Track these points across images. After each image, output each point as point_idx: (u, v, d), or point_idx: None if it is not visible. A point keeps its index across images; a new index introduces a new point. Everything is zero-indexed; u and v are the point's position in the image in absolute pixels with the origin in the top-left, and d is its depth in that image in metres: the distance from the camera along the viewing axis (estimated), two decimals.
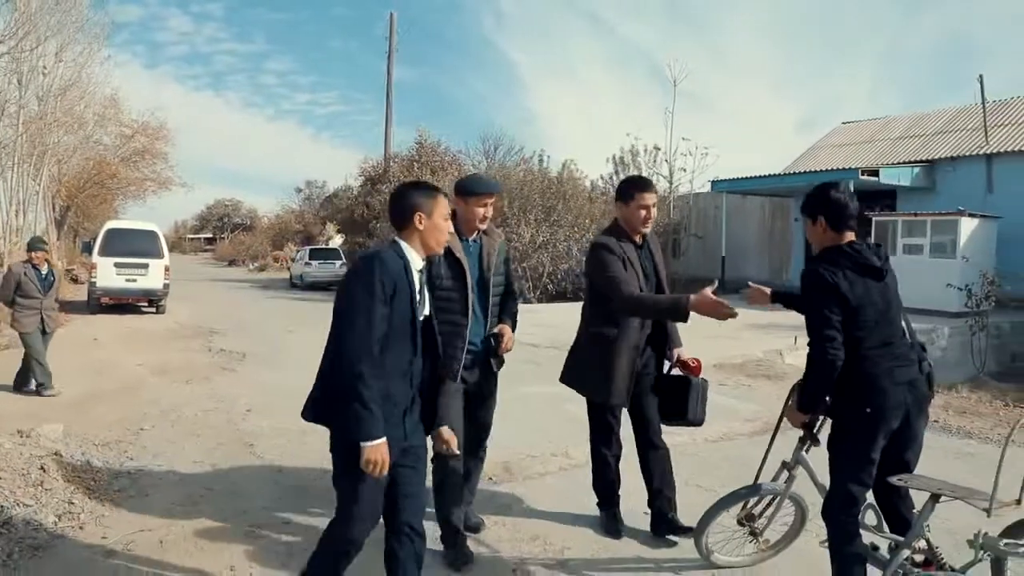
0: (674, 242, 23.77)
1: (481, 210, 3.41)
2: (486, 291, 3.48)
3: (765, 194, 21.18)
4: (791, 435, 3.07)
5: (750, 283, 3.45)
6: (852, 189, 16.56)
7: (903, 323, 2.78)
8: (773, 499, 3.19)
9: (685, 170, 21.83)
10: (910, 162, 18.57)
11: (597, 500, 3.88)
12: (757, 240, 22.83)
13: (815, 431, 2.93)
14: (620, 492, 3.86)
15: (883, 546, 2.87)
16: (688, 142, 22.59)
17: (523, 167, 21.48)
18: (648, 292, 3.55)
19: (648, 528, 3.77)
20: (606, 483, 3.82)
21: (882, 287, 2.69)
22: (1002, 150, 17.28)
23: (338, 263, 25.00)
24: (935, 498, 2.60)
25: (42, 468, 4.42)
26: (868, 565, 2.73)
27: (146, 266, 14.07)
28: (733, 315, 2.95)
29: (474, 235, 3.50)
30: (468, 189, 3.43)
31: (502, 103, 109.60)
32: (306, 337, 11.85)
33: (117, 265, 14.14)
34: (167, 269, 14.86)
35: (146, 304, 14.70)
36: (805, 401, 2.76)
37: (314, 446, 5.36)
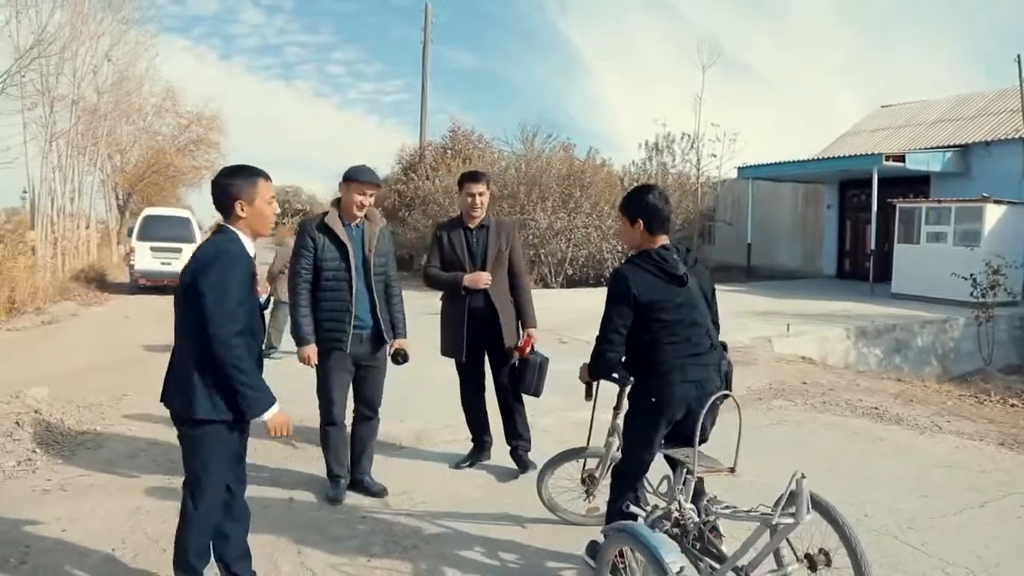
0: (706, 229, 23.73)
1: (360, 197, 3.88)
2: (368, 272, 3.99)
3: (796, 180, 20.91)
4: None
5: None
6: (877, 176, 16.39)
7: (709, 326, 2.99)
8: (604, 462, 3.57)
9: (715, 156, 21.65)
10: (942, 147, 18.07)
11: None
12: (790, 226, 22.55)
13: (618, 399, 3.27)
14: (484, 441, 4.67)
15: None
16: (717, 128, 22.36)
17: (559, 153, 21.62)
18: (471, 270, 4.16)
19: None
20: (468, 418, 4.60)
21: (685, 291, 2.91)
22: None
23: None
24: (682, 465, 2.94)
25: (17, 423, 5.14)
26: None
27: (180, 250, 15.02)
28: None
29: (356, 221, 3.99)
30: (349, 176, 3.90)
31: (566, 88, 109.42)
32: None
33: (153, 249, 15.25)
34: None
35: None
36: (590, 375, 3.16)
37: None
